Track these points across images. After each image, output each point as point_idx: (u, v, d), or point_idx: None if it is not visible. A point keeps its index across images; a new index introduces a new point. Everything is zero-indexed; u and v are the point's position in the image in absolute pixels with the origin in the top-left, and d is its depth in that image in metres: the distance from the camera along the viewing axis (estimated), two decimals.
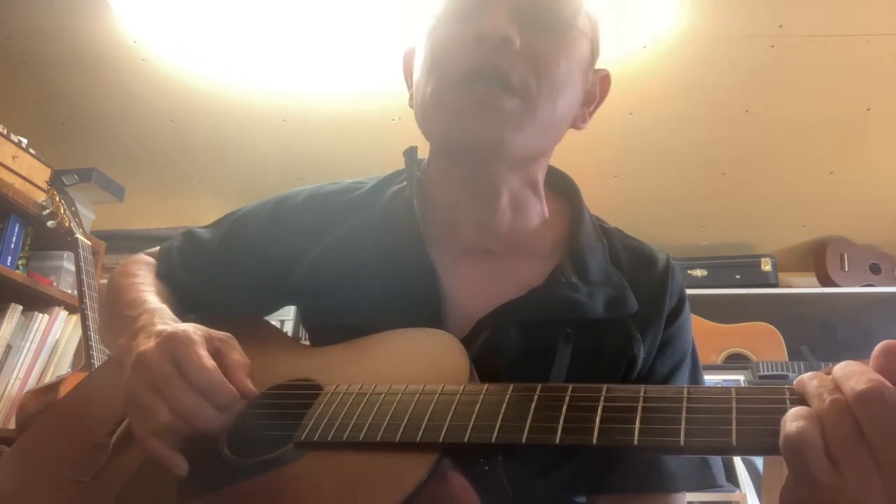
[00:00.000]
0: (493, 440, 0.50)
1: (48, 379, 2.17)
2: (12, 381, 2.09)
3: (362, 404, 0.57)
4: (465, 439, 0.50)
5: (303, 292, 0.79)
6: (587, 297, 0.70)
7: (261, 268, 0.82)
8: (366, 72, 2.27)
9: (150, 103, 2.48)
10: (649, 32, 2.08)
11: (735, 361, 2.72)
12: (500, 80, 0.66)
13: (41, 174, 2.26)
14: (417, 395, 0.56)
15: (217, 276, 0.84)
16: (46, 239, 2.28)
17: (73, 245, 2.08)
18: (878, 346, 0.43)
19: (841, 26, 2.01)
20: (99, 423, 0.70)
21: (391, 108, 2.37)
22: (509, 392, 0.53)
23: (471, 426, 0.51)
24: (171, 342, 0.60)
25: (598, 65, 0.85)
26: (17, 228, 2.20)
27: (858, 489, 0.38)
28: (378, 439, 0.53)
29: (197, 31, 2.17)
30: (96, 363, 1.91)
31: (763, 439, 0.43)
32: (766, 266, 2.90)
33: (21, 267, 2.22)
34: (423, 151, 0.83)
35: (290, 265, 0.79)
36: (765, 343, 2.73)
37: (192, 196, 3.02)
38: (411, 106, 0.77)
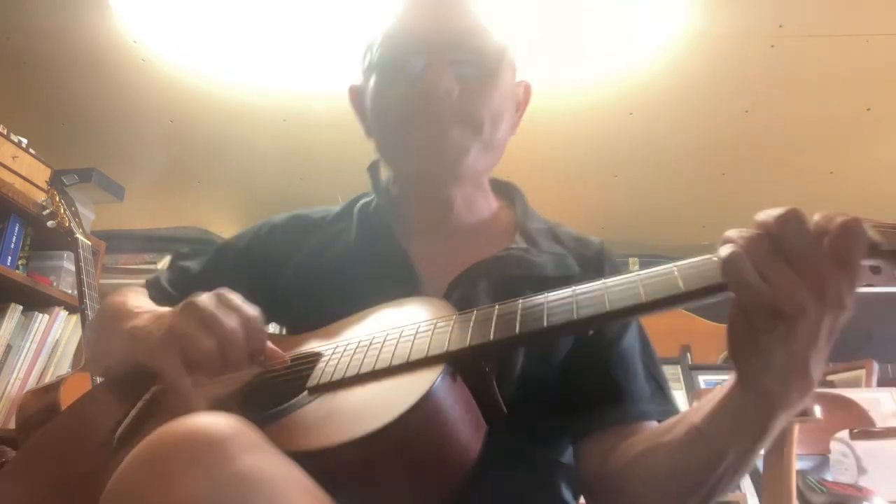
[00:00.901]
0: (492, 337, 0.58)
1: (48, 379, 2.17)
2: (12, 381, 2.09)
3: (367, 348, 0.63)
4: (468, 343, 0.58)
5: (290, 293, 0.86)
6: (539, 258, 0.84)
7: (248, 279, 0.87)
8: None
9: (150, 103, 2.49)
10: (649, 33, 2.08)
11: None
12: (446, 119, 0.79)
13: (41, 174, 2.26)
14: (417, 329, 0.62)
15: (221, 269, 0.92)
16: (46, 239, 2.28)
17: (73, 245, 2.08)
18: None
19: (841, 26, 2.01)
20: (100, 428, 0.70)
21: None
22: (496, 306, 0.62)
23: (469, 334, 0.59)
24: (217, 293, 0.67)
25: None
26: (17, 228, 2.20)
27: (786, 288, 0.49)
28: (390, 364, 0.59)
29: (197, 31, 2.18)
30: None
31: (704, 282, 0.53)
32: None
33: (21, 267, 2.22)
34: None
35: (276, 272, 0.88)
36: None
37: (192, 196, 3.02)
38: (369, 136, 0.90)
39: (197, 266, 0.94)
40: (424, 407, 0.53)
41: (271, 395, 0.64)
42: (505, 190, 0.96)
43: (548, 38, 2.07)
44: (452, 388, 0.56)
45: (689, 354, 2.61)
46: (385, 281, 0.79)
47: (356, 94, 0.92)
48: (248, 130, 2.58)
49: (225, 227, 3.15)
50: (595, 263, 0.87)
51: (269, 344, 0.67)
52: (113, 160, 2.66)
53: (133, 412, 0.69)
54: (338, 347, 0.66)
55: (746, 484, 2.05)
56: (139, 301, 0.83)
